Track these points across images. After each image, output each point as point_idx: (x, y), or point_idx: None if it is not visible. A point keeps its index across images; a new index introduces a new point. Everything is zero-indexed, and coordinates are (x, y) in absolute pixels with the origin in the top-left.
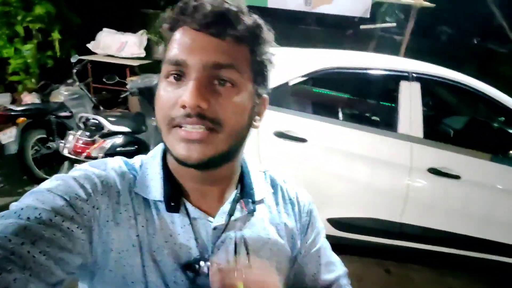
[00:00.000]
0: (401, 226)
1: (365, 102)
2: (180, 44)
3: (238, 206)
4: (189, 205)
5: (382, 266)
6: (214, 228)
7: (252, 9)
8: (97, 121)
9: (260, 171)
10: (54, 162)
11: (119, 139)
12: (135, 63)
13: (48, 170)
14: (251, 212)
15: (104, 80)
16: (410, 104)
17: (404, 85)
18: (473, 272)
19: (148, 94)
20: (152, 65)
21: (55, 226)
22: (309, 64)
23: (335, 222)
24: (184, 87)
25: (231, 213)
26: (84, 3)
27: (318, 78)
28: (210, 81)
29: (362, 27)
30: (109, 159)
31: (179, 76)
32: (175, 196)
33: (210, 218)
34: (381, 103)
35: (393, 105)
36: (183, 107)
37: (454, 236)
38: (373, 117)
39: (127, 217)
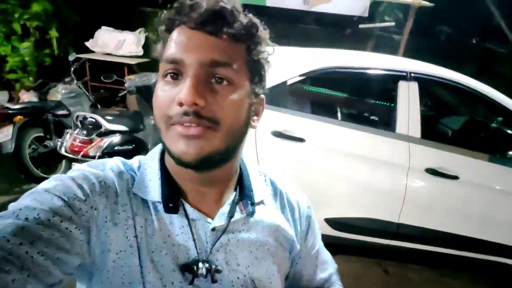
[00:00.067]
0: (399, 227)
1: (363, 102)
2: (176, 43)
3: (237, 208)
4: (187, 206)
5: (380, 266)
6: (213, 229)
7: (251, 7)
8: (94, 120)
9: (260, 172)
10: (51, 161)
11: (116, 138)
12: (133, 61)
13: (45, 169)
14: (250, 214)
15: (102, 78)
16: (408, 104)
17: (402, 85)
18: (472, 272)
19: (146, 93)
20: (150, 64)
21: (53, 227)
22: (307, 63)
23: (333, 222)
24: (181, 85)
25: (230, 215)
26: (82, 1)
27: (316, 78)
28: (207, 79)
29: (361, 26)
30: (107, 159)
31: (176, 75)
32: (173, 197)
33: (209, 219)
34: (379, 103)
35: (391, 105)
36: (180, 104)
37: (452, 237)
38: (371, 117)
39: (125, 217)
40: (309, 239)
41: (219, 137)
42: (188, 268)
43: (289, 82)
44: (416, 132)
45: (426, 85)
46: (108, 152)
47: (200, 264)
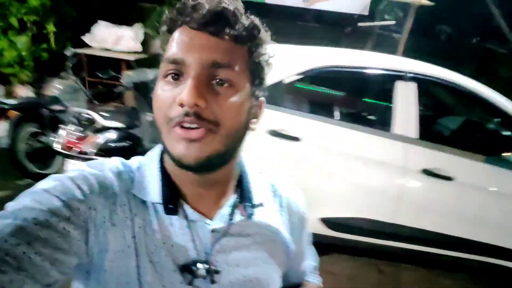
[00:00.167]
0: (394, 227)
1: (360, 102)
2: (178, 43)
3: (236, 210)
4: (187, 207)
5: (374, 265)
6: (212, 231)
7: (250, 5)
8: (89, 116)
9: (260, 173)
10: (47, 157)
11: (112, 135)
12: (132, 57)
13: (41, 164)
14: (250, 216)
15: (98, 74)
16: (405, 105)
17: (400, 85)
18: (465, 272)
19: (143, 89)
20: (148, 60)
21: (51, 227)
22: (303, 62)
23: (328, 222)
24: (182, 86)
25: (229, 217)
26: None
27: (312, 76)
28: (208, 80)
29: (360, 24)
30: (106, 160)
31: (177, 75)
32: (173, 199)
33: (208, 221)
34: (377, 102)
35: (388, 105)
36: (181, 105)
37: (446, 238)
38: (368, 117)
39: (123, 218)
40: (303, 238)
41: (219, 139)
42: (187, 269)
43: (285, 81)
44: (413, 132)
45: (424, 85)
46: (103, 149)
47: (200, 265)
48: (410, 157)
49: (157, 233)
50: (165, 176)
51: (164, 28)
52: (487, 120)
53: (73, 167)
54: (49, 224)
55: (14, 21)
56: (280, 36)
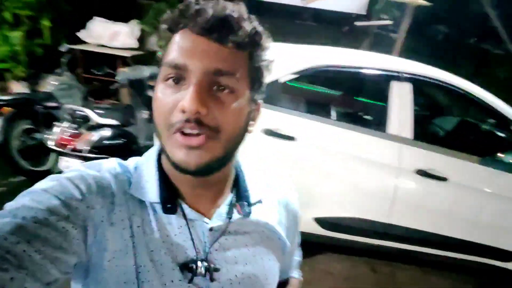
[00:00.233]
0: (388, 227)
1: (355, 101)
2: (180, 47)
3: (234, 209)
4: (185, 207)
5: (368, 265)
6: (211, 230)
7: (246, 2)
8: (84, 113)
9: (257, 171)
10: (40, 154)
11: (106, 132)
12: (128, 53)
13: (34, 162)
14: (247, 215)
15: (93, 71)
16: (400, 105)
17: (395, 85)
18: (459, 272)
19: (138, 86)
20: (145, 56)
21: (51, 226)
22: (299, 61)
23: (322, 222)
24: (183, 91)
25: (227, 216)
26: None
27: (308, 76)
28: (209, 87)
29: (357, 23)
30: (104, 160)
31: (178, 79)
32: (171, 198)
33: (206, 220)
34: (372, 102)
35: (383, 105)
36: (182, 111)
37: (440, 238)
38: (363, 117)
39: (121, 217)
40: (296, 236)
41: (219, 145)
42: (187, 267)
43: (281, 80)
44: (408, 133)
45: (419, 86)
46: (98, 146)
47: (199, 263)
48: (405, 157)
49: (156, 232)
50: (163, 176)
51: (164, 26)
52: (482, 121)
53: (67, 164)
54: (48, 222)
55: (8, 15)
56: (277, 35)
